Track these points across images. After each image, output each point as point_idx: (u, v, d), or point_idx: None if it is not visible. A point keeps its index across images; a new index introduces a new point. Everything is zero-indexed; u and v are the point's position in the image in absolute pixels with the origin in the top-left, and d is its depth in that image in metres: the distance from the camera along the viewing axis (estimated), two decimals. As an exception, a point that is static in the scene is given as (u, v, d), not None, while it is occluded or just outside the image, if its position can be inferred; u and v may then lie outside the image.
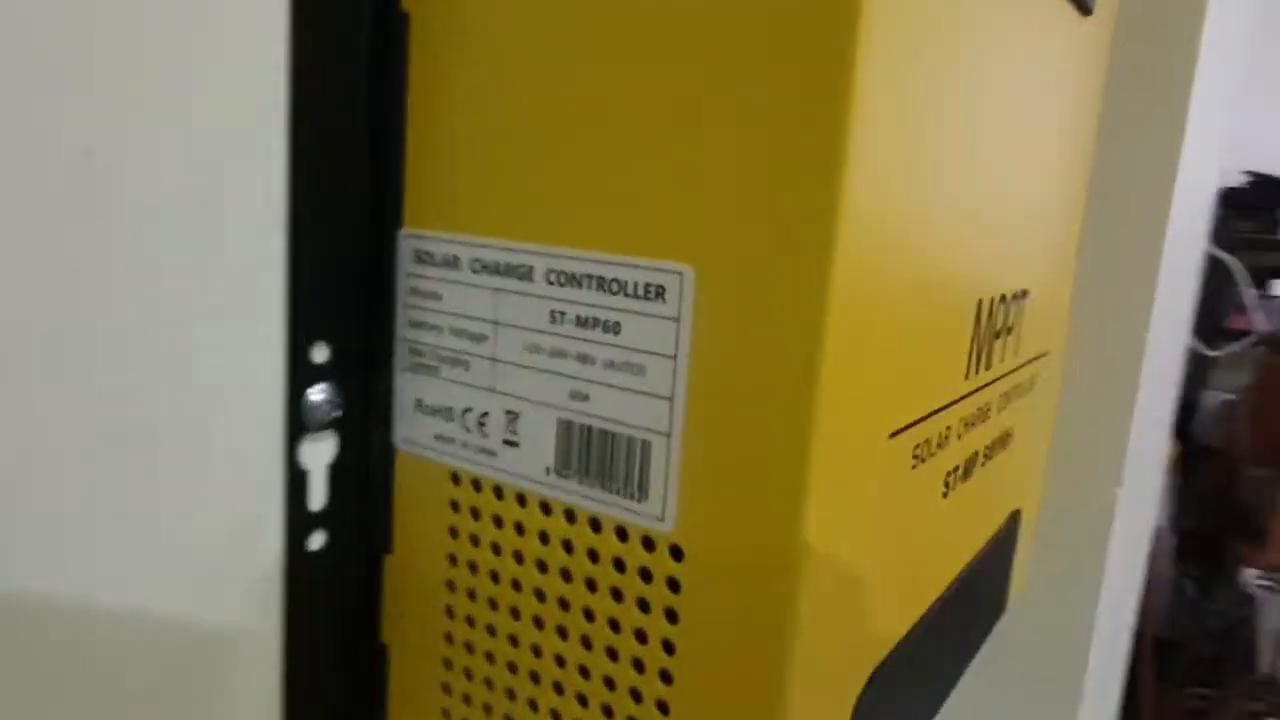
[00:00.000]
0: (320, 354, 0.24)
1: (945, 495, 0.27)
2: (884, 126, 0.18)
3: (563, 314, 0.21)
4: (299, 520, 0.24)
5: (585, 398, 0.21)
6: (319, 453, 0.25)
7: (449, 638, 0.25)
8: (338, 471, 0.25)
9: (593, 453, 0.21)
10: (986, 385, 0.29)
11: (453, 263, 0.23)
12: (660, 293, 0.20)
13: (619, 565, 0.21)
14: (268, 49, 0.22)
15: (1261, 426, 1.78)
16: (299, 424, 0.24)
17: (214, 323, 0.22)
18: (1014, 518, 0.38)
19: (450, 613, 0.24)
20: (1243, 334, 1.60)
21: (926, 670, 0.29)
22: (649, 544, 0.21)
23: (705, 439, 0.20)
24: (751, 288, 0.19)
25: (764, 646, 0.19)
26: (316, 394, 0.24)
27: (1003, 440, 0.33)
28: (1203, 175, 0.52)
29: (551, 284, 0.21)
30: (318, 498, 0.25)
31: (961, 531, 0.30)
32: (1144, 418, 0.48)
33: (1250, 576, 1.84)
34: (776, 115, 0.18)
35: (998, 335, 0.29)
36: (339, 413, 0.24)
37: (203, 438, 0.22)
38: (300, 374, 0.24)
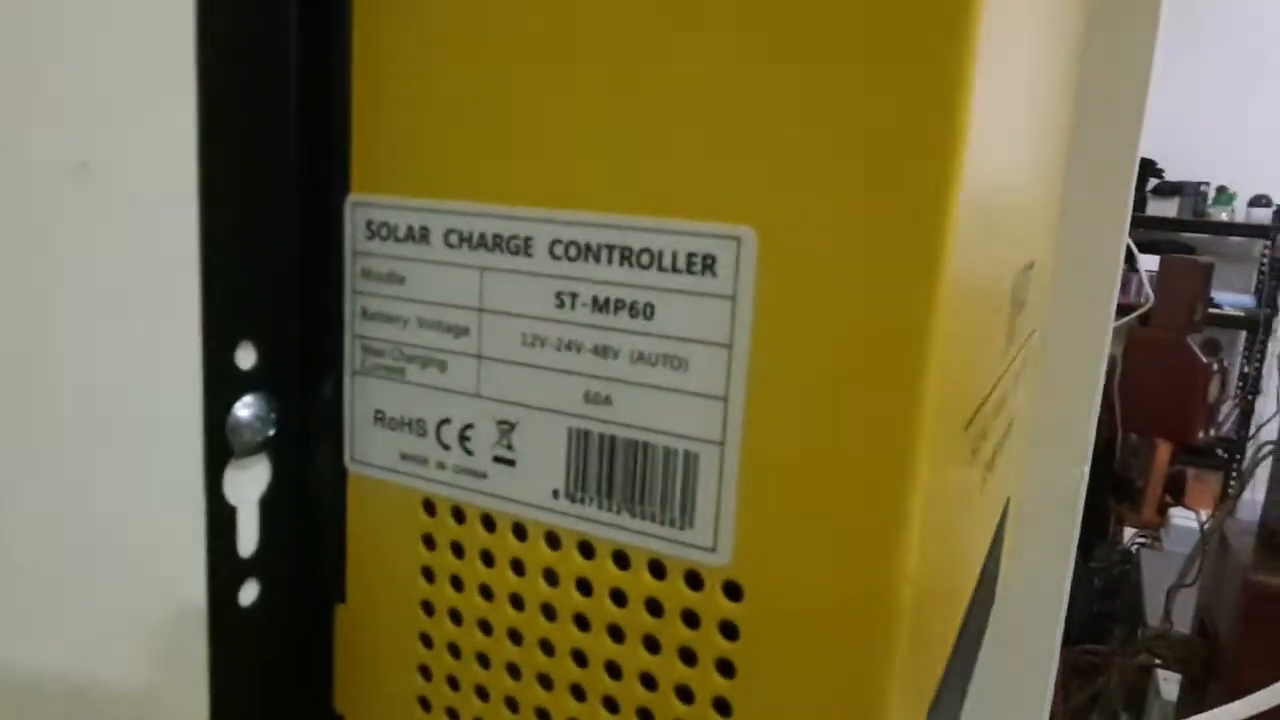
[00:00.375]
0: (246, 358, 0.19)
1: (981, 491, 0.24)
2: (992, 57, 0.15)
3: (574, 296, 0.17)
4: (226, 568, 0.19)
5: (606, 400, 0.17)
6: (248, 483, 0.19)
7: (425, 703, 0.20)
8: (272, 505, 0.20)
9: (617, 469, 0.17)
10: (1009, 366, 0.26)
11: (421, 236, 0.18)
12: (709, 264, 0.16)
13: (654, 608, 0.17)
14: (164, -46, 0.16)
15: (1132, 394, 1.87)
16: (222, 448, 0.18)
17: (105, 322, 0.16)
18: (1006, 505, 0.35)
19: (426, 673, 0.20)
20: (1124, 308, 1.66)
21: (958, 679, 0.26)
22: (695, 580, 0.17)
23: (771, 448, 0.16)
24: (837, 253, 0.15)
25: (850, 698, 0.16)
26: (243, 409, 0.19)
27: (1010, 426, 0.30)
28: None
29: (558, 258, 0.17)
30: (248, 539, 0.19)
31: (983, 526, 0.27)
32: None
33: (1128, 535, 1.94)
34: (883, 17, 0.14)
35: (1019, 310, 0.26)
36: (272, 431, 0.19)
37: (97, 472, 0.17)
38: (222, 384, 0.18)
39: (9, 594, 0.16)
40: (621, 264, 0.16)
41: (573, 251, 0.17)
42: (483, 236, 0.17)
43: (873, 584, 0.15)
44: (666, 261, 0.16)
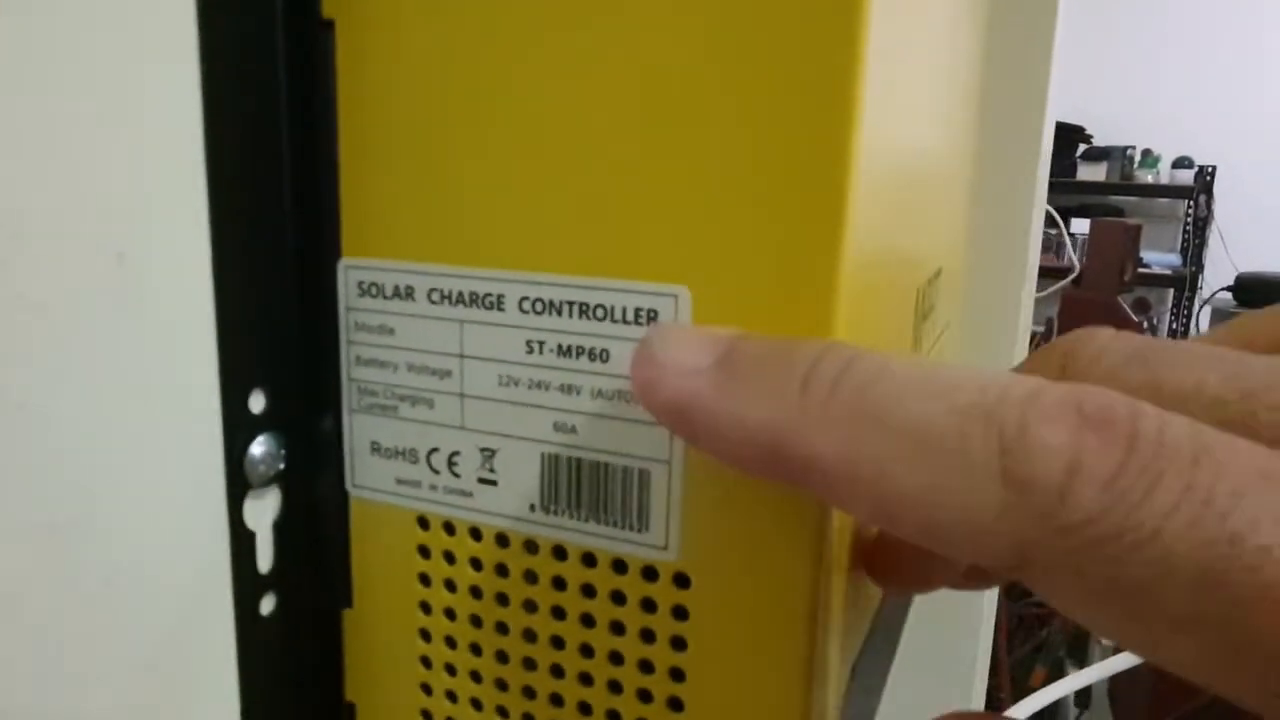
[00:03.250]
0: (258, 403, 0.22)
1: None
2: (878, 103, 0.18)
3: (541, 344, 0.20)
4: (248, 584, 0.22)
5: (572, 430, 0.20)
6: (263, 511, 0.22)
7: (426, 688, 0.23)
8: (285, 527, 0.23)
9: (584, 486, 0.20)
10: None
11: (406, 294, 0.21)
12: (653, 316, 0.19)
13: (618, 598, 0.21)
14: (176, 60, 0.19)
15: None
16: (241, 482, 0.22)
17: (140, 383, 0.19)
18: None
19: (427, 662, 0.23)
20: (1056, 272, 1.73)
21: (885, 639, 0.30)
22: (651, 574, 0.20)
23: (707, 464, 0.19)
24: (751, 305, 0.18)
25: (784, 667, 0.19)
26: (257, 447, 0.22)
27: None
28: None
29: (526, 312, 0.20)
30: (265, 558, 0.23)
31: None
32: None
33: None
34: (774, 110, 0.17)
35: (924, 319, 0.30)
36: (282, 465, 0.22)
37: (140, 513, 0.20)
38: (239, 428, 0.21)
39: (73, 618, 0.19)
40: (580, 317, 0.20)
41: (539, 307, 0.20)
42: (460, 294, 0.21)
43: (792, 572, 0.19)
44: (618, 315, 0.19)
